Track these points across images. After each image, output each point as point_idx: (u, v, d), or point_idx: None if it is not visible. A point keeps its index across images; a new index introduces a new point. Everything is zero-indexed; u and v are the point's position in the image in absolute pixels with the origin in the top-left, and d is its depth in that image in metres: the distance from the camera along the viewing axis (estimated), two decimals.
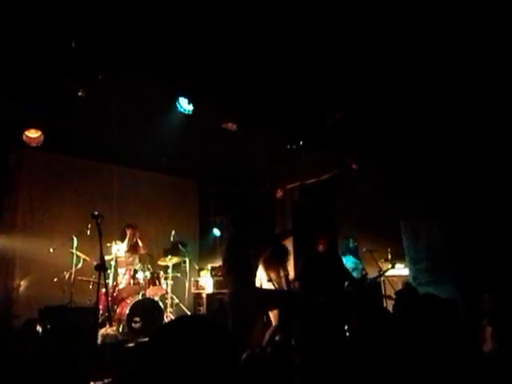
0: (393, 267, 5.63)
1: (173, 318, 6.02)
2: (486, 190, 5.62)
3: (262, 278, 4.57)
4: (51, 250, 5.35)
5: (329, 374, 1.29)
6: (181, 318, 1.09)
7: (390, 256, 5.97)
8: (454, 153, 5.69)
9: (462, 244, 5.78)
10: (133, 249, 6.10)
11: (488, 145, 5.41)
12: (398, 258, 6.28)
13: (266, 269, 4.56)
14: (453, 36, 3.86)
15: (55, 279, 5.28)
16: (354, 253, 6.04)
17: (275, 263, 4.59)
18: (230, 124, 5.01)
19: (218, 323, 1.14)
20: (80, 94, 3.86)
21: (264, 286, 4.52)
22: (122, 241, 5.98)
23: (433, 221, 6.21)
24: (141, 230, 6.25)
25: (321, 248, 4.44)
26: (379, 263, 5.85)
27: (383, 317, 1.68)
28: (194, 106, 4.58)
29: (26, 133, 5.05)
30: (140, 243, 6.14)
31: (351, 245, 6.01)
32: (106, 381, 3.26)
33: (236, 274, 3.98)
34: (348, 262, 5.74)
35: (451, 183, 5.86)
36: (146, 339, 1.06)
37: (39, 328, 3.66)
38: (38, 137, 5.06)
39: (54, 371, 2.91)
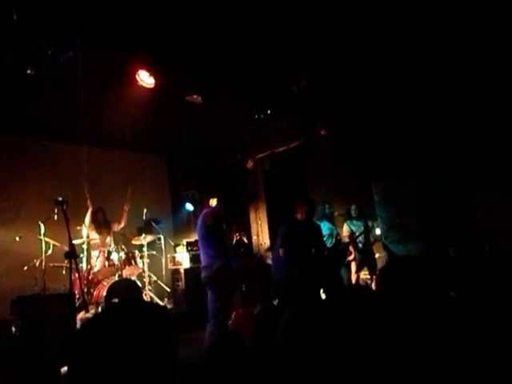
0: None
1: (152, 295, 6.04)
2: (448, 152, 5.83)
3: None
4: (17, 239, 5.15)
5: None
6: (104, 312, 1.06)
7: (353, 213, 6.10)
8: (419, 118, 5.78)
9: (427, 202, 6.01)
10: (104, 229, 5.95)
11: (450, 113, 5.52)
12: (369, 218, 6.45)
13: None
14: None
15: (25, 268, 5.11)
16: (330, 218, 6.13)
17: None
18: (194, 96, 4.85)
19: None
20: (29, 71, 3.57)
21: None
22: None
23: (401, 181, 6.40)
24: (111, 210, 6.10)
25: (299, 216, 4.48)
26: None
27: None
28: (155, 78, 4.38)
29: None
30: (109, 219, 6.00)
31: (327, 210, 6.08)
32: None
33: (213, 248, 3.98)
34: (324, 227, 5.82)
35: (417, 144, 6.00)
36: None
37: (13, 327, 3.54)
38: None
39: (19, 366, 2.85)
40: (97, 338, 0.89)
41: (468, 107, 5.31)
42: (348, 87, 5.36)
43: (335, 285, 4.57)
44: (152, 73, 4.31)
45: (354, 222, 6.03)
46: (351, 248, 5.92)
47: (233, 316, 4.73)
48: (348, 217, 6.05)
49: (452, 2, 3.86)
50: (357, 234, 5.88)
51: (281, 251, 4.47)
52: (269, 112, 5.53)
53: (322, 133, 6.33)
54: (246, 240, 7.44)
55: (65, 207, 3.20)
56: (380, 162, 6.36)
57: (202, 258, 4.14)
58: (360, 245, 5.93)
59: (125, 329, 0.90)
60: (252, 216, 8.21)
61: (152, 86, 4.36)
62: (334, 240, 5.89)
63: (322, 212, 6.02)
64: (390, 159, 6.26)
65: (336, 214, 6.26)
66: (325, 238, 5.79)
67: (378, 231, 6.32)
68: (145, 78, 4.32)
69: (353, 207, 6.07)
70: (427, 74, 4.99)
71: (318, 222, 5.83)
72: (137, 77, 4.31)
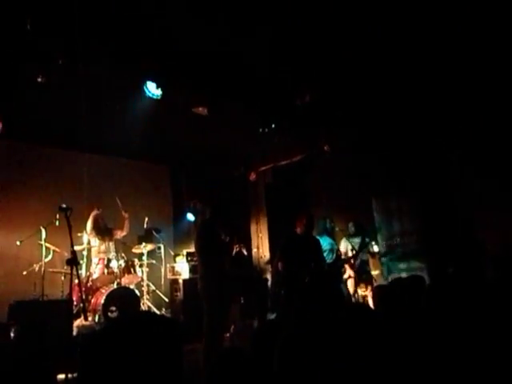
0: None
1: (149, 305, 6.01)
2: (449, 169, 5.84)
3: None
4: (18, 243, 5.16)
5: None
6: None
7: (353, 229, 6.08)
8: (422, 136, 5.82)
9: (429, 221, 6.00)
10: (106, 236, 5.94)
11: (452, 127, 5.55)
12: (368, 235, 6.42)
13: None
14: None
15: (24, 272, 5.11)
16: (330, 233, 6.11)
17: None
18: (200, 108, 4.91)
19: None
20: (40, 79, 3.63)
21: None
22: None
23: (402, 198, 6.41)
24: (113, 218, 6.11)
25: (298, 230, 4.48)
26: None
27: None
28: (162, 90, 4.44)
29: None
30: (111, 226, 6.01)
31: (328, 225, 6.07)
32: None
33: (209, 259, 3.96)
34: (324, 242, 5.81)
35: (418, 162, 6.02)
36: None
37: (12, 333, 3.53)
38: None
39: (18, 372, 2.84)
40: (110, 353, 0.90)
41: (471, 124, 5.34)
42: (352, 103, 5.42)
43: (334, 300, 4.55)
44: (159, 84, 4.38)
45: (354, 238, 6.01)
46: (346, 265, 5.89)
47: (231, 329, 4.70)
48: (347, 234, 6.05)
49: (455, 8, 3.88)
50: (349, 254, 5.84)
51: (280, 265, 4.46)
52: (273, 126, 5.59)
53: (326, 148, 6.37)
54: (245, 252, 7.41)
55: (69, 214, 3.22)
56: (382, 178, 6.38)
57: (199, 269, 4.12)
58: (352, 261, 5.90)
59: (140, 343, 0.91)
60: (253, 228, 8.21)
61: (159, 97, 4.43)
62: (334, 255, 5.87)
63: (322, 227, 6.01)
64: (391, 176, 6.28)
65: (337, 229, 6.25)
66: (325, 254, 5.75)
67: (375, 248, 6.29)
68: (152, 89, 4.39)
69: (350, 224, 6.06)
70: (430, 90, 5.04)
71: (319, 237, 5.81)
72: (144, 88, 4.38)
